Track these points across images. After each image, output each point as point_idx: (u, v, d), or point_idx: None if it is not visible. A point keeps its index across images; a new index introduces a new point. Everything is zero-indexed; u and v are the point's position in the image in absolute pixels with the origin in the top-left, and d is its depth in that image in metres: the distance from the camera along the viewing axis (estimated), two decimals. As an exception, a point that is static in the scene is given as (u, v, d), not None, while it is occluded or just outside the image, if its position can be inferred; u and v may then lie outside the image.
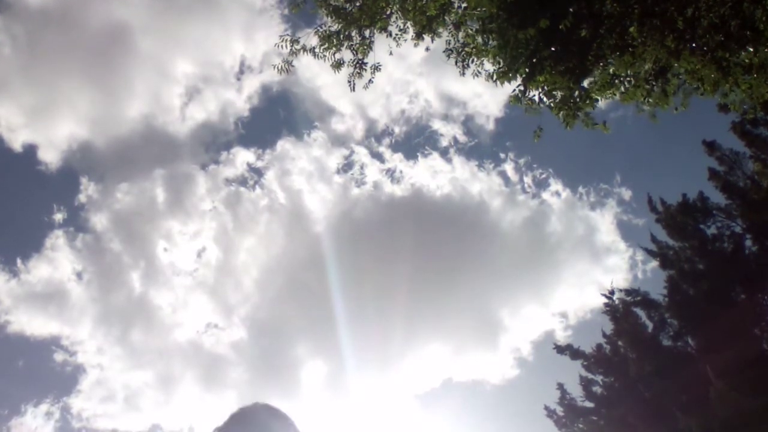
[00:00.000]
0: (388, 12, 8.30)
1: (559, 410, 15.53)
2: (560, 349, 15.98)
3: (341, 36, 8.32)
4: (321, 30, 8.25)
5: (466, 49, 7.88)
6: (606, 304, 16.04)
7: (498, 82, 7.49)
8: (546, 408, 15.58)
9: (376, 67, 8.37)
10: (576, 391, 15.73)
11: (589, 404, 15.48)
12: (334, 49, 8.24)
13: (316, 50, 8.26)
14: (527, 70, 7.20)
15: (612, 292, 16.06)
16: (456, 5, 7.93)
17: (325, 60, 8.31)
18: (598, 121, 7.66)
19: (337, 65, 8.41)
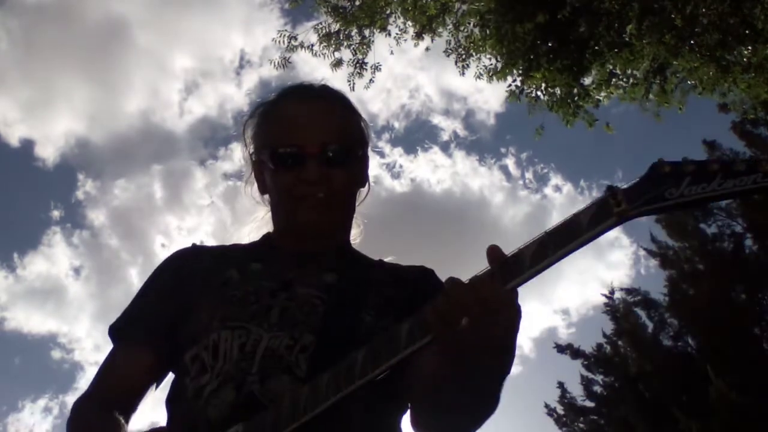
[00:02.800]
0: (387, 11, 8.31)
1: (560, 409, 15.53)
2: (560, 349, 15.97)
3: (340, 35, 8.34)
4: (320, 28, 8.27)
5: (464, 43, 7.88)
6: (606, 304, 16.05)
7: (495, 78, 7.51)
8: (546, 406, 15.59)
9: (377, 67, 8.38)
10: (577, 390, 15.74)
11: (589, 404, 15.47)
12: (333, 47, 8.26)
13: (315, 48, 8.29)
14: (524, 65, 7.21)
15: (612, 292, 16.06)
16: (456, 5, 7.94)
17: (324, 58, 8.34)
18: (600, 118, 7.69)
19: (337, 64, 8.42)
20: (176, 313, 1.43)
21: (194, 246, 1.57)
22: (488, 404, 1.23)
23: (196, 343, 1.36)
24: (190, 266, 1.51)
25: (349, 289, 1.42)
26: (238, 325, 1.35)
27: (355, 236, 1.64)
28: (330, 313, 1.36)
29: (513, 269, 1.04)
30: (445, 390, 1.21)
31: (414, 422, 1.37)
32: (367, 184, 1.63)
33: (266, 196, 1.60)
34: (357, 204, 1.60)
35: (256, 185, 1.61)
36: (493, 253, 1.06)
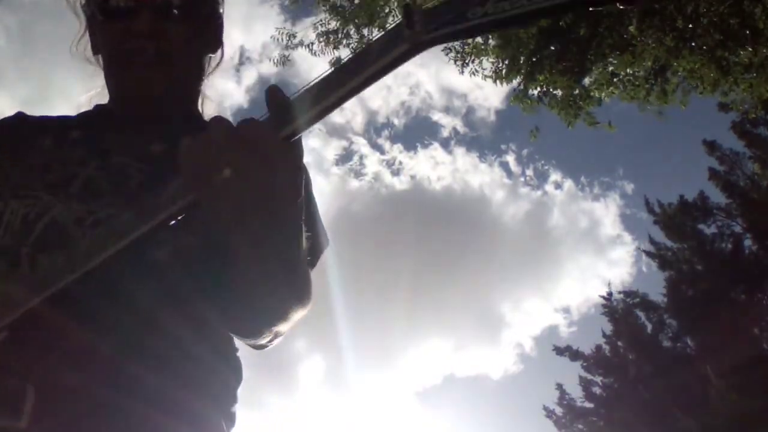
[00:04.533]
0: (386, 10, 8.28)
1: (559, 410, 15.53)
2: (560, 350, 15.96)
3: (339, 34, 8.31)
4: (319, 26, 8.25)
5: (465, 48, 7.86)
6: (605, 305, 16.04)
7: (498, 82, 7.49)
8: (545, 408, 15.58)
9: (377, 66, 8.36)
10: (577, 390, 15.73)
11: (588, 405, 15.47)
12: (332, 46, 8.24)
13: (314, 47, 8.27)
14: (527, 69, 7.19)
15: (610, 294, 16.06)
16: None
17: (324, 56, 8.32)
18: (602, 116, 7.69)
19: (336, 63, 8.40)
20: None
21: (19, 113, 1.37)
22: (283, 285, 1.03)
23: None
24: (5, 133, 1.32)
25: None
26: (30, 194, 1.16)
27: (208, 110, 1.41)
28: (145, 186, 1.15)
29: (293, 113, 0.85)
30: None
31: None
32: (220, 50, 1.40)
33: (99, 57, 1.37)
34: (207, 72, 1.38)
35: (90, 45, 1.37)
36: (273, 95, 0.86)
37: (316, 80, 0.85)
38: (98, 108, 1.38)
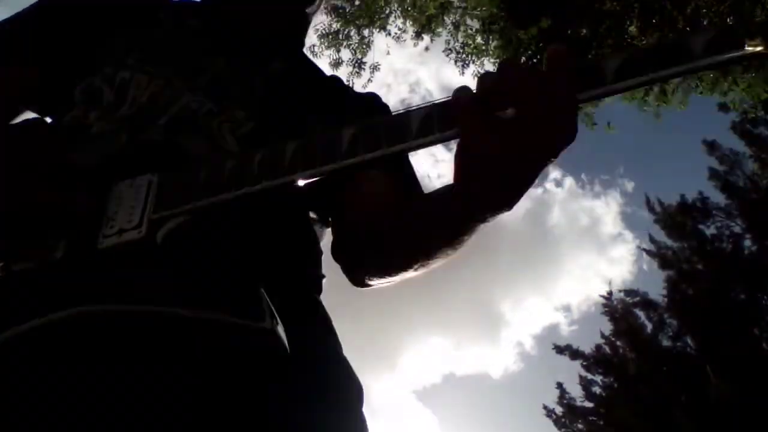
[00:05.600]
0: (387, 11, 8.30)
1: (558, 410, 15.53)
2: (560, 349, 15.97)
3: (340, 36, 8.34)
4: (320, 28, 8.28)
5: (466, 49, 7.89)
6: (605, 305, 16.05)
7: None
8: (545, 407, 15.58)
9: (376, 67, 8.39)
10: (576, 390, 15.74)
11: (588, 404, 15.47)
12: (333, 47, 8.27)
13: (315, 48, 8.30)
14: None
15: (610, 293, 16.06)
16: (455, 4, 7.93)
17: (325, 57, 8.35)
18: (602, 117, 7.72)
19: (336, 64, 8.43)
20: (80, 30, 1.14)
21: None
22: (455, 248, 0.93)
23: (96, 74, 1.07)
24: None
25: (297, 84, 1.19)
26: (159, 74, 1.07)
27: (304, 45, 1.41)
28: (270, 99, 1.11)
29: (588, 78, 0.72)
30: (412, 224, 0.98)
31: (347, 254, 1.16)
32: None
33: None
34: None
35: None
36: (560, 55, 0.71)
37: (611, 56, 0.73)
38: (209, 1, 1.31)
